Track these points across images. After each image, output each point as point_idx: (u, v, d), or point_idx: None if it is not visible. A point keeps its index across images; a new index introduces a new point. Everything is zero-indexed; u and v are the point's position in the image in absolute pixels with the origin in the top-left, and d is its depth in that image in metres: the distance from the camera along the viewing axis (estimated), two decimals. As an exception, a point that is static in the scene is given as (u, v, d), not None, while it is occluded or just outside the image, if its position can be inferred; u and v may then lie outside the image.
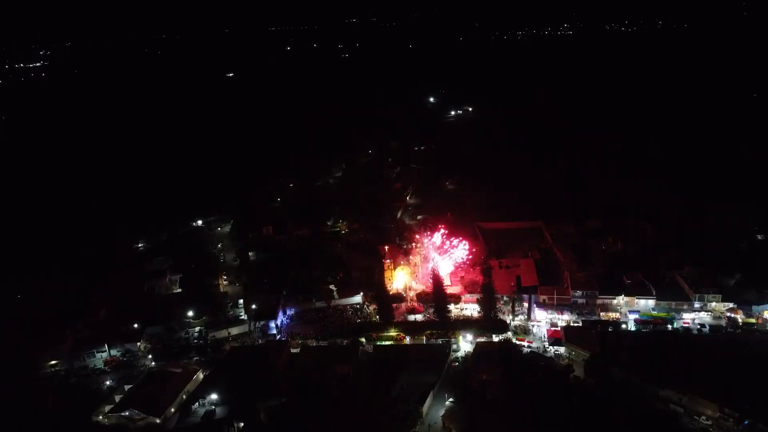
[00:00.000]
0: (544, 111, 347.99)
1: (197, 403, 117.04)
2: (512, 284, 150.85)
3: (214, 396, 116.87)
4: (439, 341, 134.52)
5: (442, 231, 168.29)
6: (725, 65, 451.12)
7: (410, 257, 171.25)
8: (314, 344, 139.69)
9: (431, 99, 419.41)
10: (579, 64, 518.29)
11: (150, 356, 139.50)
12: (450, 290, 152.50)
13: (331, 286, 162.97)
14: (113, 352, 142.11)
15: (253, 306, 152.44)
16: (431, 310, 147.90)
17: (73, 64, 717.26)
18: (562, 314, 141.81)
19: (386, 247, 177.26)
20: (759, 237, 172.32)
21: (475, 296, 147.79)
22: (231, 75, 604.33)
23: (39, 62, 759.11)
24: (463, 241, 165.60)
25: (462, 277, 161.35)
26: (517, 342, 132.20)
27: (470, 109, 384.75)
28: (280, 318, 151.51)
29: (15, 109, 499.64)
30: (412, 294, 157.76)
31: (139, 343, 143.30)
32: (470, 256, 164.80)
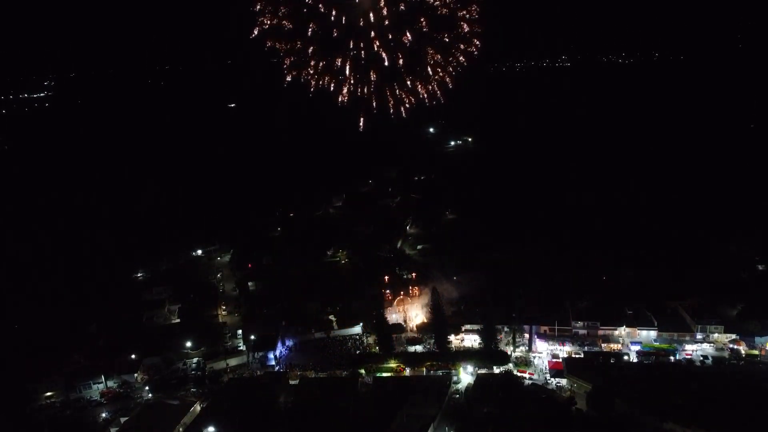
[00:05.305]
0: (542, 140, 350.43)
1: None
2: (513, 315, 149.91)
3: (211, 429, 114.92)
4: (440, 373, 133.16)
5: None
6: (722, 96, 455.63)
7: (411, 287, 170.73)
8: (313, 375, 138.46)
9: (431, 129, 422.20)
10: (577, 95, 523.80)
11: (147, 388, 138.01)
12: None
13: (331, 317, 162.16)
14: (110, 383, 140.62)
15: (252, 336, 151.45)
16: (431, 341, 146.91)
17: (77, 95, 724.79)
18: (563, 345, 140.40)
19: (386, 278, 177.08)
20: (759, 267, 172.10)
21: (476, 327, 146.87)
22: (233, 105, 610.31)
23: (43, 92, 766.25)
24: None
25: (462, 307, 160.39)
26: (519, 374, 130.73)
27: (470, 139, 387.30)
28: (279, 349, 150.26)
29: (18, 138, 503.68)
30: (412, 325, 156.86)
31: (136, 374, 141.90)
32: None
